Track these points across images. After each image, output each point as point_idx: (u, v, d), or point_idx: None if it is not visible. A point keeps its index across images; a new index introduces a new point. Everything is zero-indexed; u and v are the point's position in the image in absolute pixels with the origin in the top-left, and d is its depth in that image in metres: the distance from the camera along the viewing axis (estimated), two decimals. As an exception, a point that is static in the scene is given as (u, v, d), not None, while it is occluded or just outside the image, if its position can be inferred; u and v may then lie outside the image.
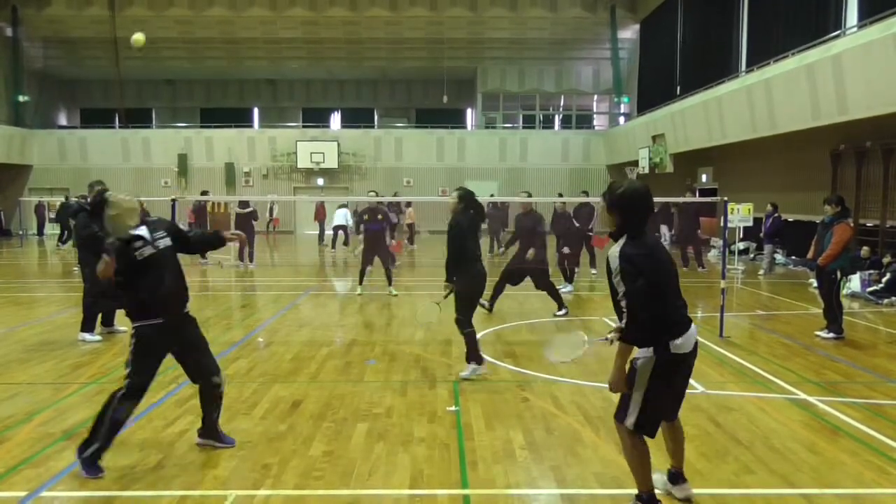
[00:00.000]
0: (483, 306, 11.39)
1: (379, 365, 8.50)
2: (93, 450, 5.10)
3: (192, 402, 6.73)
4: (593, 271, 17.44)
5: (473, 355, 7.82)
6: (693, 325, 4.44)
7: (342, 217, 24.20)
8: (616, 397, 4.54)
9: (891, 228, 16.78)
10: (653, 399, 4.36)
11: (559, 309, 11.90)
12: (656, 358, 4.32)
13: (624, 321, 4.25)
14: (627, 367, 4.41)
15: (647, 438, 4.47)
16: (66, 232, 25.46)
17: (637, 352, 4.38)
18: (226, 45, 36.82)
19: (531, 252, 11.78)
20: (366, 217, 13.98)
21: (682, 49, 28.68)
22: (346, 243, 24.84)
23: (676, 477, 4.82)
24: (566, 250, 14.54)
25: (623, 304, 4.26)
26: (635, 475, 4.51)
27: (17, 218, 35.17)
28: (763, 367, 8.38)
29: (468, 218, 7.90)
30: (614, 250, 4.36)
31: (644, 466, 4.46)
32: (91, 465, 5.10)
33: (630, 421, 4.40)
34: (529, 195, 13.62)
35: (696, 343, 4.45)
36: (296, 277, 18.40)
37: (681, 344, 4.32)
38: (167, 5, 33.65)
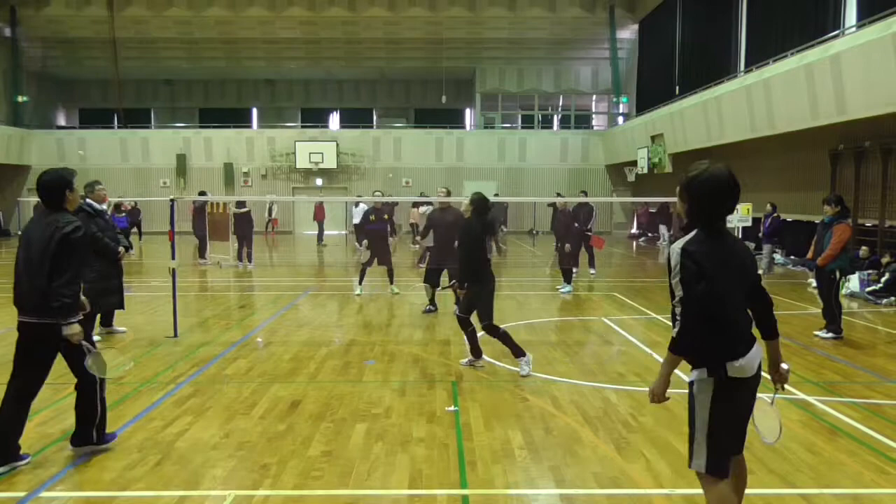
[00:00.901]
0: (431, 311, 12.17)
1: (378, 365, 8.51)
2: (97, 428, 5.52)
3: (191, 401, 6.75)
4: (592, 272, 17.44)
5: (516, 350, 8.08)
6: (757, 344, 3.79)
7: (363, 214, 23.56)
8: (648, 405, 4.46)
9: (889, 228, 16.79)
10: (718, 431, 3.65)
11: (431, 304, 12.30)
12: (714, 382, 3.62)
13: (677, 328, 3.60)
14: (687, 390, 3.77)
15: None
16: None
17: (691, 373, 3.73)
18: (224, 45, 36.82)
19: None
20: (372, 217, 14.00)
21: (681, 49, 28.69)
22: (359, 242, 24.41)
23: None
24: (567, 248, 14.54)
25: (678, 309, 3.59)
26: None
27: (16, 218, 35.15)
28: (762, 366, 8.37)
29: (481, 223, 8.19)
30: (677, 245, 3.64)
31: None
32: (104, 435, 5.59)
33: (699, 463, 3.70)
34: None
35: (759, 365, 3.79)
36: (295, 277, 18.40)
37: (741, 366, 3.62)
38: (166, 5, 33.63)
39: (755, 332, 3.82)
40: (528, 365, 8.01)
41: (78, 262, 5.27)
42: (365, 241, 14.05)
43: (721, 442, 3.67)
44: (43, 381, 5.46)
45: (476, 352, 8.40)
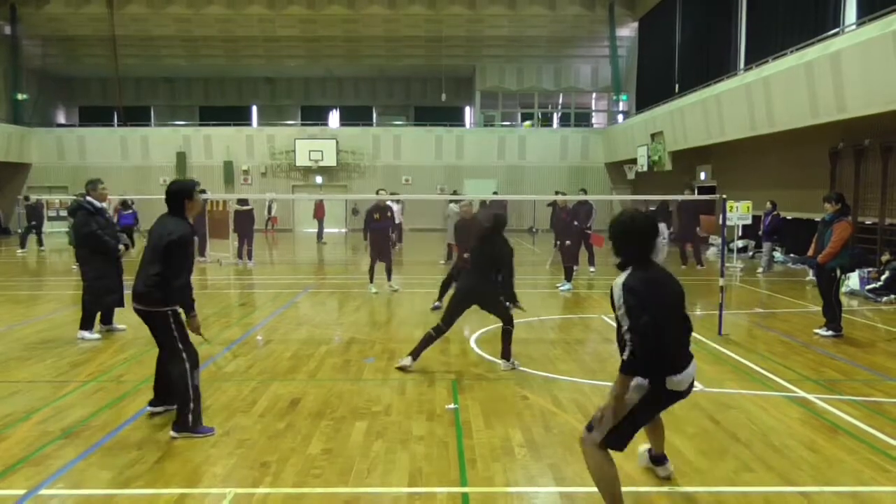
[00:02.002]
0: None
1: (378, 363, 8.51)
2: (192, 415, 5.90)
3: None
4: (591, 269, 17.45)
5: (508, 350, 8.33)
6: (694, 361, 4.34)
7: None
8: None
9: (889, 226, 16.79)
10: (631, 422, 4.30)
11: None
12: (650, 389, 4.24)
13: (626, 353, 4.09)
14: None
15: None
16: (28, 233, 25.22)
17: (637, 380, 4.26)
18: (224, 43, 36.78)
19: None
20: (376, 216, 14.08)
21: (681, 47, 28.68)
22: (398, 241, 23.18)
23: (658, 459, 5.05)
24: (568, 243, 14.54)
25: (627, 337, 4.08)
26: (605, 497, 4.32)
27: (16, 217, 35.13)
28: (762, 364, 8.39)
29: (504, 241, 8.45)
30: (618, 281, 4.20)
31: (610, 488, 4.29)
32: (200, 426, 5.95)
33: (600, 432, 4.29)
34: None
35: (692, 382, 4.36)
36: (294, 275, 18.40)
37: (678, 381, 4.23)
38: (165, 3, 33.61)
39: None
40: (510, 366, 8.17)
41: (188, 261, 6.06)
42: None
43: (627, 431, 4.32)
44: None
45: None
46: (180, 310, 5.99)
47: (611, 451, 4.31)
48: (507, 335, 8.28)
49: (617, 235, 4.37)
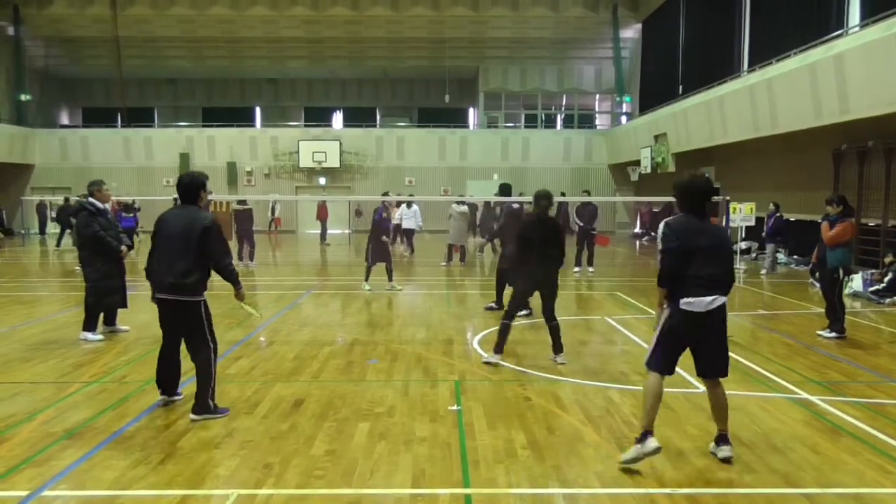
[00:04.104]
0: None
1: (381, 364, 8.50)
2: (212, 398, 6.33)
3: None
4: (591, 270, 17.45)
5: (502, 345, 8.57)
6: (716, 296, 5.24)
7: (412, 219, 21.70)
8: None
9: (892, 228, 16.75)
10: (662, 342, 5.36)
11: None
12: (671, 311, 5.32)
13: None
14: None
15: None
16: (63, 233, 25.34)
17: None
18: (228, 44, 36.85)
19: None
20: (384, 215, 14.22)
21: (684, 48, 28.66)
22: (411, 250, 22.40)
23: (719, 439, 5.48)
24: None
25: (659, 258, 5.39)
26: (641, 411, 5.34)
27: (20, 217, 35.23)
28: (765, 366, 8.38)
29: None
30: (667, 219, 5.47)
31: (649, 404, 5.25)
32: (218, 408, 6.40)
33: (647, 360, 5.45)
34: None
35: (713, 310, 5.24)
36: (297, 277, 18.41)
37: (688, 302, 5.22)
38: (169, 4, 33.64)
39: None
40: (494, 360, 8.40)
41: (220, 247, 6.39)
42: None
43: (658, 351, 5.38)
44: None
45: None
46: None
47: (654, 377, 5.34)
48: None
49: (676, 191, 5.56)
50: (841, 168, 18.76)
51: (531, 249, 8.41)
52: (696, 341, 5.37)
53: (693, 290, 5.22)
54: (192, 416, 6.26)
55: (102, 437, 5.89)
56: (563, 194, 30.77)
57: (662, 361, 5.35)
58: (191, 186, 6.43)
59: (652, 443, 5.15)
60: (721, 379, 5.43)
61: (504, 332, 8.48)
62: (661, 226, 5.40)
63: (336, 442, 5.82)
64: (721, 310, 5.30)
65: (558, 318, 8.60)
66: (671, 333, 5.33)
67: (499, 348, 8.45)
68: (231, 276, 6.39)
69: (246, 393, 7.19)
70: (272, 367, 8.38)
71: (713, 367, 5.42)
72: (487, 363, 8.40)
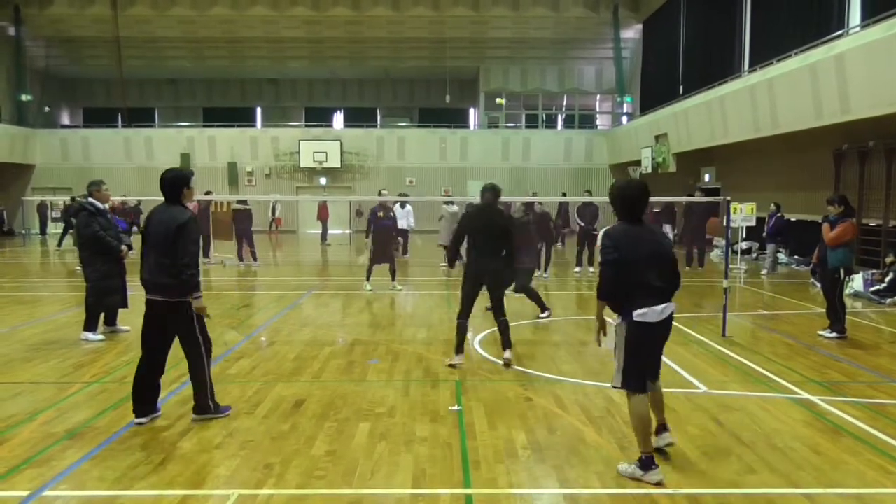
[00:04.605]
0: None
1: (382, 364, 8.51)
2: (211, 398, 6.30)
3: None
4: (591, 269, 17.47)
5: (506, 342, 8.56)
6: (666, 304, 5.16)
7: (404, 219, 21.06)
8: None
9: (893, 228, 16.74)
10: (630, 360, 5.16)
11: (542, 311, 11.71)
12: (626, 324, 5.18)
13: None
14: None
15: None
16: (65, 233, 25.32)
17: (617, 319, 5.30)
18: (228, 44, 36.85)
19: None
20: (380, 214, 14.16)
21: (685, 48, 28.65)
22: (404, 251, 21.70)
23: (658, 429, 5.54)
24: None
25: (599, 270, 5.32)
26: (636, 436, 5.16)
27: (20, 217, 35.23)
28: (765, 366, 8.38)
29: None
30: (605, 228, 5.45)
31: (641, 426, 5.10)
32: (219, 407, 6.38)
33: (618, 380, 5.23)
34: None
35: (665, 319, 5.17)
36: (298, 277, 18.41)
37: (641, 313, 5.09)
38: (169, 5, 33.65)
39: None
40: (456, 362, 8.38)
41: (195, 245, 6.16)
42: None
43: (631, 369, 5.15)
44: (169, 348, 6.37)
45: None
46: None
47: (637, 399, 5.15)
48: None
49: (612, 197, 5.53)
50: (842, 168, 18.75)
51: (471, 240, 8.40)
52: (661, 345, 5.40)
53: (643, 300, 5.11)
54: (194, 417, 6.26)
55: (103, 437, 5.89)
56: (563, 194, 30.97)
57: (638, 381, 5.17)
58: (173, 182, 6.25)
59: (655, 476, 4.99)
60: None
61: (460, 330, 8.41)
62: (601, 235, 5.41)
63: (337, 442, 5.82)
64: (672, 316, 5.27)
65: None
66: (637, 351, 5.17)
67: (458, 349, 8.39)
68: (186, 280, 6.00)
69: (247, 393, 7.19)
70: (273, 367, 8.38)
71: (656, 370, 5.48)
72: (451, 366, 8.29)
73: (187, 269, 5.99)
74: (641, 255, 5.15)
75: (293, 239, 32.38)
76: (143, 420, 6.22)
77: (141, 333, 6.27)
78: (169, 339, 6.30)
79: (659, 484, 4.96)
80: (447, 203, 19.86)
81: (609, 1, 34.14)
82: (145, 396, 6.28)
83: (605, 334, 5.45)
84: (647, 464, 5.02)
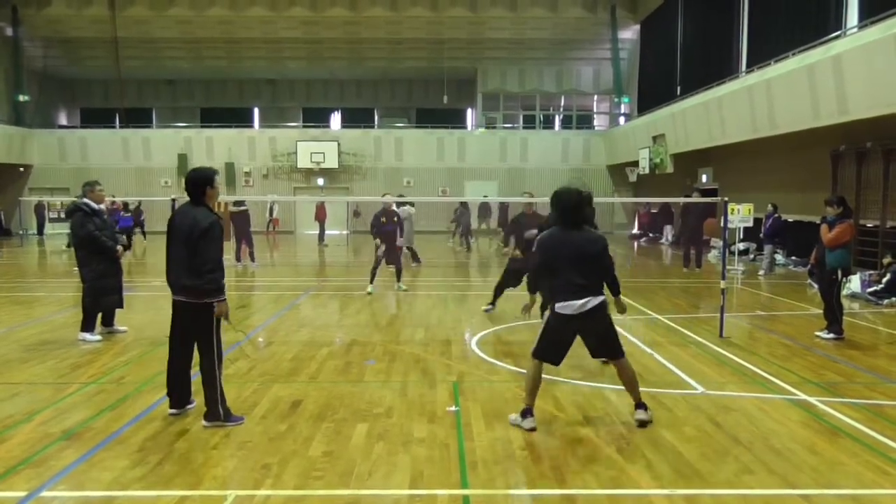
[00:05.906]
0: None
1: (379, 365, 8.50)
2: (222, 406, 6.16)
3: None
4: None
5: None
6: (587, 299, 5.91)
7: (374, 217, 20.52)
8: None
9: (891, 229, 16.77)
10: (546, 337, 6.14)
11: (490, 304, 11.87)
12: (550, 313, 6.13)
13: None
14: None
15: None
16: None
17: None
18: (226, 44, 36.84)
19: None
20: (383, 219, 14.24)
21: (683, 49, 28.68)
22: (415, 258, 20.06)
23: (636, 407, 6.26)
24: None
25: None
26: (524, 390, 6.23)
27: (18, 217, 35.18)
28: (763, 367, 8.38)
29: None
30: (540, 234, 6.31)
31: (531, 385, 6.15)
32: (231, 415, 6.21)
33: (533, 349, 6.20)
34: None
35: (588, 311, 5.92)
36: (296, 277, 18.40)
37: (561, 306, 5.97)
38: (167, 5, 33.64)
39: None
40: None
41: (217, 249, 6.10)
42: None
43: (545, 344, 6.15)
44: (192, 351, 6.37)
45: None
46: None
47: (534, 363, 6.18)
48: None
49: (551, 203, 6.16)
50: (839, 169, 18.77)
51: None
52: (575, 335, 6.16)
53: (564, 295, 5.95)
54: (204, 423, 6.15)
55: (101, 437, 5.88)
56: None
57: (544, 350, 6.14)
58: (195, 182, 6.16)
59: (529, 422, 6.03)
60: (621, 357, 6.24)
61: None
62: (536, 239, 6.23)
63: (334, 443, 5.82)
64: (598, 308, 5.97)
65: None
66: (551, 331, 6.11)
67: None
68: (209, 284, 5.97)
69: (244, 393, 7.18)
70: (270, 367, 8.37)
71: (606, 351, 6.32)
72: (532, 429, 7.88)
73: (210, 273, 5.96)
74: (563, 257, 5.94)
75: (290, 239, 32.37)
76: (175, 411, 6.41)
77: (170, 329, 6.35)
78: (194, 337, 6.29)
79: (532, 430, 5.98)
80: (409, 204, 19.49)
81: (607, 2, 34.19)
82: (177, 387, 6.42)
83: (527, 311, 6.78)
84: (525, 413, 6.10)
